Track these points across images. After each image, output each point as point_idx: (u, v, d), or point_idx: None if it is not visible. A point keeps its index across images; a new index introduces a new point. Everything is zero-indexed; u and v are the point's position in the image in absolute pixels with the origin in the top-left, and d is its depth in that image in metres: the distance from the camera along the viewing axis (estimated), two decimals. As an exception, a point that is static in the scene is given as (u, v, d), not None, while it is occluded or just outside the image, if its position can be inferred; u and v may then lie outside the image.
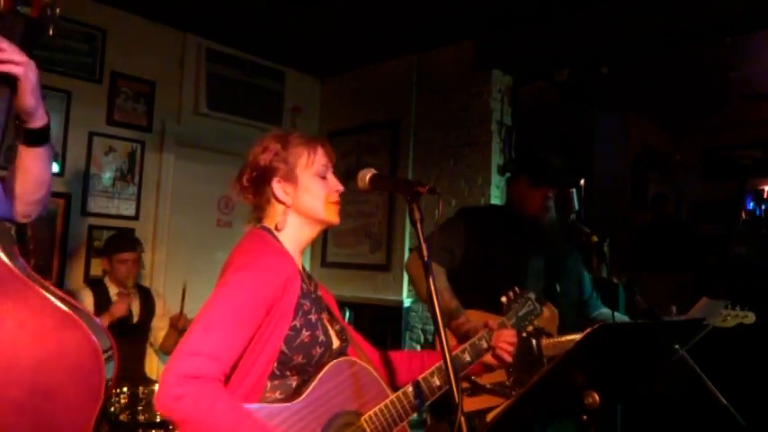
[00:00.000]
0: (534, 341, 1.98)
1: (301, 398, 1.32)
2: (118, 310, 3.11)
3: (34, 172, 1.28)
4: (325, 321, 1.48)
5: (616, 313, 2.23)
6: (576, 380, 1.40)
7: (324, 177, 1.48)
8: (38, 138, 1.28)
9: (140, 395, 2.68)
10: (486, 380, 1.99)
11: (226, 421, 1.17)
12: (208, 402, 1.16)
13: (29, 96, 1.22)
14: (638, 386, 1.83)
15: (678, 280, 4.27)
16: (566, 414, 1.73)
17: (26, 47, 1.25)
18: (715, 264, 4.96)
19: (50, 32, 1.34)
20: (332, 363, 1.40)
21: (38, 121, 1.27)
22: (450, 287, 2.18)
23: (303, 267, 1.55)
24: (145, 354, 3.41)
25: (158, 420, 2.66)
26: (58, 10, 1.33)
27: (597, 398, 1.37)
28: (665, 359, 1.67)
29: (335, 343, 1.46)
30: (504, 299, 1.83)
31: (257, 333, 1.30)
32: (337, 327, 1.53)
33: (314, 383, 1.35)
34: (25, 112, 1.24)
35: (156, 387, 2.71)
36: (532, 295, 1.88)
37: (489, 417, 1.83)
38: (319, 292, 1.58)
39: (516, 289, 1.86)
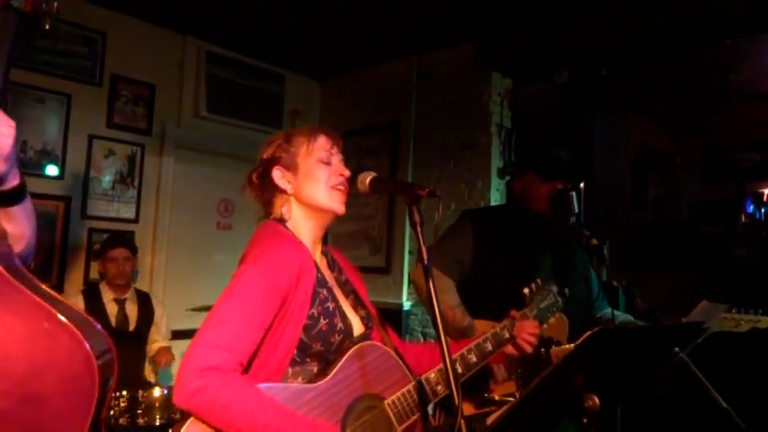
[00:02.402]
0: (543, 350, 1.98)
1: (325, 379, 1.33)
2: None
3: (9, 231, 1.22)
4: (349, 306, 1.50)
5: (616, 312, 2.21)
6: (576, 383, 1.40)
7: (328, 163, 1.48)
8: (8, 199, 1.20)
9: (139, 398, 2.67)
10: (495, 392, 1.99)
11: (248, 409, 1.17)
12: (228, 392, 1.16)
13: None
14: (638, 389, 1.82)
15: (678, 280, 4.27)
16: (566, 417, 1.72)
17: (20, 42, 1.21)
18: (715, 264, 4.95)
19: (47, 26, 1.28)
20: (356, 346, 1.41)
21: (7, 185, 1.18)
22: (460, 299, 2.16)
23: (325, 253, 1.56)
24: (144, 358, 3.41)
25: (158, 423, 2.65)
26: (56, 4, 1.28)
27: (597, 401, 1.37)
28: (665, 362, 1.67)
29: (358, 329, 1.47)
30: (526, 290, 1.86)
31: (274, 323, 1.31)
32: (363, 312, 1.54)
33: (338, 366, 1.36)
34: None
35: (156, 391, 2.73)
36: (554, 288, 1.92)
37: (490, 420, 1.83)
38: (345, 276, 1.58)
39: (538, 281, 1.89)
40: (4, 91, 1.19)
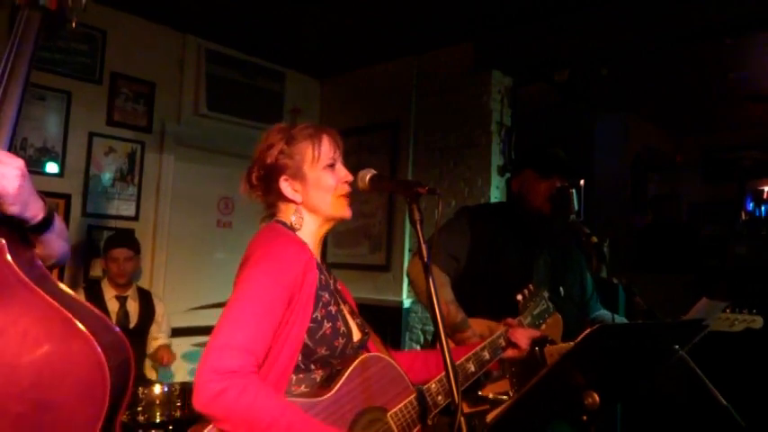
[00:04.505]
0: (538, 349, 1.98)
1: (330, 393, 1.33)
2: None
3: (40, 253, 1.22)
4: (346, 313, 1.49)
5: (615, 315, 2.22)
6: (576, 380, 1.40)
7: (332, 167, 1.46)
8: (36, 230, 1.18)
9: (140, 396, 2.67)
10: (488, 391, 1.99)
11: (269, 413, 1.17)
12: (250, 396, 1.16)
13: (10, 208, 1.08)
14: (637, 387, 1.82)
15: (678, 281, 4.27)
16: (564, 415, 1.73)
17: (43, 39, 1.21)
18: (715, 264, 4.95)
19: (73, 24, 1.28)
20: (359, 359, 1.41)
21: (30, 221, 1.15)
22: (455, 296, 2.16)
23: (321, 260, 1.55)
24: (144, 356, 3.41)
25: (158, 421, 2.66)
26: (84, 1, 1.28)
27: (597, 398, 1.37)
28: (665, 360, 1.67)
29: (357, 335, 1.47)
30: (519, 297, 1.88)
31: (280, 324, 1.30)
32: (358, 320, 1.54)
33: (342, 379, 1.35)
34: (12, 217, 1.11)
35: (156, 388, 2.73)
36: (546, 294, 1.94)
37: (489, 417, 1.83)
38: (338, 285, 1.58)
39: (530, 287, 1.90)
40: (26, 86, 1.17)
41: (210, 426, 1.20)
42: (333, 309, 1.40)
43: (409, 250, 4.34)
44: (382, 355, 1.48)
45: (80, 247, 3.77)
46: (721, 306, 2.07)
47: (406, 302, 4.30)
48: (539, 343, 1.99)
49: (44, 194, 1.26)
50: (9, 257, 1.06)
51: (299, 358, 1.33)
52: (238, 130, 4.41)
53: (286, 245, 1.37)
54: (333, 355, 1.37)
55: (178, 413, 2.70)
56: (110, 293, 3.31)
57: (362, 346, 1.49)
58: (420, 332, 4.22)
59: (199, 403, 1.16)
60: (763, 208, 6.21)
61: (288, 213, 1.46)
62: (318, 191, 1.44)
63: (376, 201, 4.50)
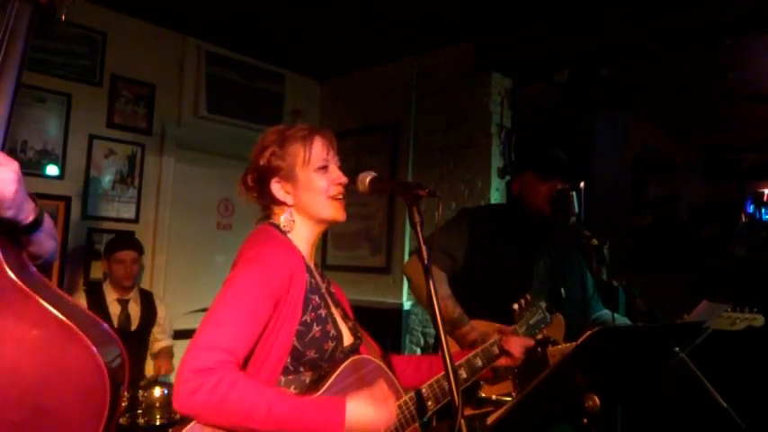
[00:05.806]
0: (540, 350, 1.98)
1: (318, 393, 1.33)
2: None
3: (30, 252, 1.22)
4: (338, 316, 1.49)
5: (616, 315, 2.22)
6: (577, 382, 1.40)
7: (325, 169, 1.46)
8: (26, 231, 1.17)
9: (140, 398, 2.67)
10: (492, 392, 1.99)
11: (246, 400, 1.16)
12: (223, 388, 1.15)
13: (6, 212, 1.06)
14: (638, 388, 1.82)
15: (678, 281, 4.27)
16: (566, 417, 1.73)
17: (34, 34, 1.18)
18: (715, 265, 4.95)
19: (63, 17, 1.24)
20: (349, 360, 1.40)
21: (23, 222, 1.14)
22: (453, 295, 2.16)
23: (315, 263, 1.55)
24: (145, 358, 3.40)
25: (158, 423, 2.65)
26: None
27: (597, 400, 1.37)
28: (666, 362, 1.67)
29: (348, 339, 1.46)
30: (515, 306, 1.87)
31: (267, 327, 1.30)
32: (350, 324, 1.53)
33: (331, 380, 1.35)
34: (5, 220, 1.09)
35: (156, 390, 2.72)
36: (543, 304, 1.93)
37: (490, 420, 1.83)
38: (332, 289, 1.58)
39: (527, 297, 1.89)
40: (18, 84, 1.16)
41: (191, 424, 1.20)
42: (323, 312, 1.40)
43: (410, 252, 4.34)
44: (372, 358, 1.48)
45: (80, 250, 3.77)
46: (722, 308, 2.07)
47: (407, 305, 4.30)
48: (541, 343, 1.99)
49: (44, 197, 1.25)
50: (3, 264, 1.05)
51: (288, 360, 1.33)
52: (238, 132, 4.41)
53: (274, 248, 1.37)
54: (322, 358, 1.37)
55: (178, 416, 2.70)
56: (111, 296, 3.30)
57: (354, 351, 1.48)
58: (420, 335, 4.22)
59: (177, 403, 1.17)
60: (762, 210, 6.21)
61: (280, 216, 1.46)
62: (309, 193, 1.43)
63: (376, 203, 4.49)
